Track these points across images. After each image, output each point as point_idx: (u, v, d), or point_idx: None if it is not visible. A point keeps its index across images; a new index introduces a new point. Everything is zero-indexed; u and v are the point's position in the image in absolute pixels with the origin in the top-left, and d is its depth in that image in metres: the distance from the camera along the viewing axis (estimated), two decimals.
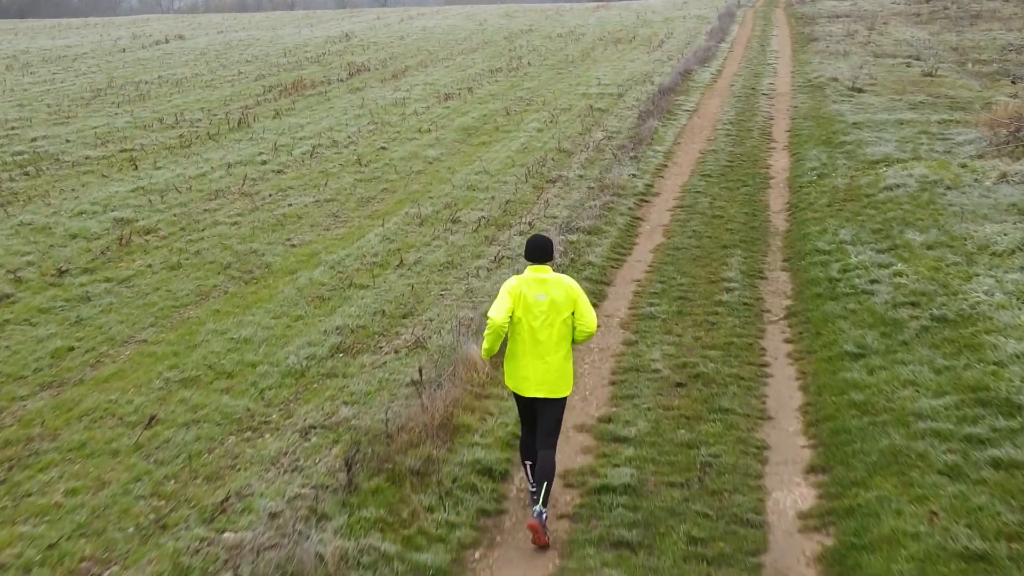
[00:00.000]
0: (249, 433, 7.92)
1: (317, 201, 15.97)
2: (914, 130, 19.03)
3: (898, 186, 14.22)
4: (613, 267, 12.13)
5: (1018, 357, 7.98)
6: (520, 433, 6.69)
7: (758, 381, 8.61)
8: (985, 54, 31.66)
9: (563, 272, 8.02)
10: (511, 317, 6.18)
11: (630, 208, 14.92)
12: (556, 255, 9.17)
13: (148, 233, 14.03)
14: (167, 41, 44.89)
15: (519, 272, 6.71)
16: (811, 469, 7.03)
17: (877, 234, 12.21)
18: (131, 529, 6.47)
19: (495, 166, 18.36)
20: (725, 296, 10.81)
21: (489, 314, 6.18)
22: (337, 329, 10.15)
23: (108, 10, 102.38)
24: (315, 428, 7.89)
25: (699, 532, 6.16)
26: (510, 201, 15.59)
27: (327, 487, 6.75)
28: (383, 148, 20.18)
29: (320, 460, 7.31)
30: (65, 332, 10.30)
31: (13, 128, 22.45)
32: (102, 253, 13.03)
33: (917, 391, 7.80)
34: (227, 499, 6.72)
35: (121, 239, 13.54)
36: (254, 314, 10.74)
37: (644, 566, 5.81)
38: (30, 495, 6.97)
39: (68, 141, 20.85)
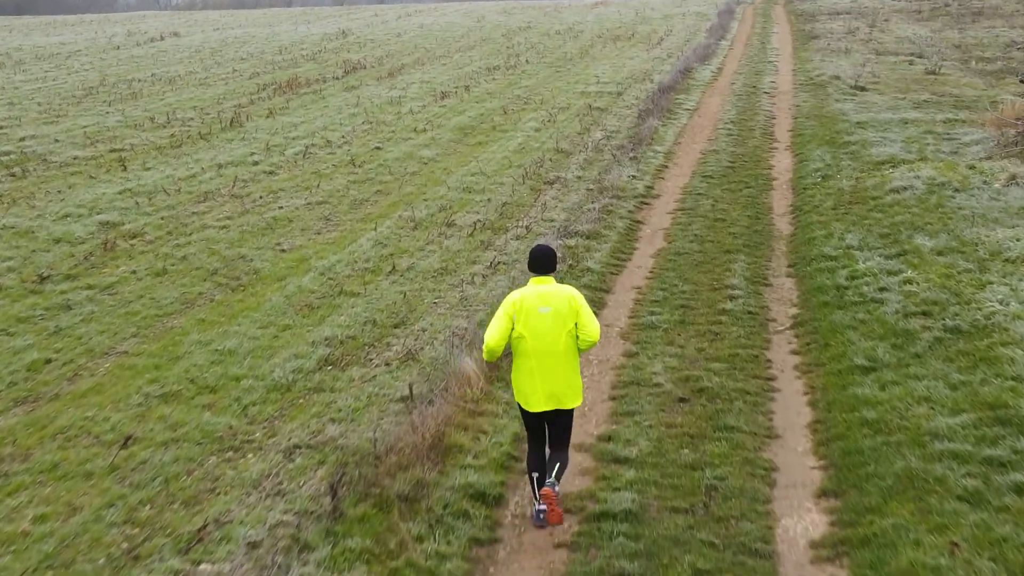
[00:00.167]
0: (231, 453, 7.55)
1: (309, 203, 15.57)
2: (919, 130, 18.63)
3: (905, 188, 13.83)
4: (613, 273, 11.73)
5: None
6: (527, 448, 6.49)
7: (764, 396, 8.23)
8: (988, 51, 31.29)
9: (561, 279, 7.71)
10: (514, 333, 6.17)
11: (630, 211, 14.51)
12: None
13: (134, 237, 13.62)
14: (162, 38, 44.42)
15: (515, 279, 6.49)
16: (822, 493, 6.65)
17: (885, 239, 11.82)
18: (101, 560, 6.10)
19: (492, 167, 17.96)
20: (729, 304, 10.43)
21: (485, 336, 6.22)
22: (326, 340, 9.76)
23: (105, 7, 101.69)
24: (300, 448, 7.52)
25: (705, 563, 5.78)
26: (507, 204, 15.20)
27: (311, 513, 6.40)
28: (378, 148, 19.77)
29: (304, 483, 6.96)
30: (43, 343, 9.92)
31: (1, 127, 21.99)
32: (85, 258, 12.63)
33: (932, 408, 7.42)
34: (204, 527, 6.36)
35: (106, 244, 13.13)
36: (240, 324, 10.36)
37: None
38: None
39: (57, 141, 20.42)
